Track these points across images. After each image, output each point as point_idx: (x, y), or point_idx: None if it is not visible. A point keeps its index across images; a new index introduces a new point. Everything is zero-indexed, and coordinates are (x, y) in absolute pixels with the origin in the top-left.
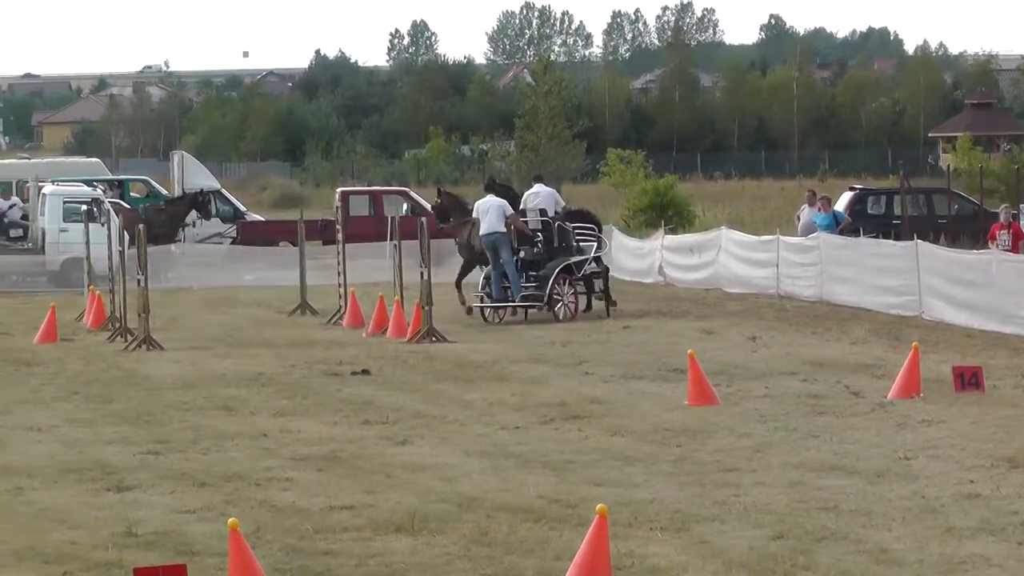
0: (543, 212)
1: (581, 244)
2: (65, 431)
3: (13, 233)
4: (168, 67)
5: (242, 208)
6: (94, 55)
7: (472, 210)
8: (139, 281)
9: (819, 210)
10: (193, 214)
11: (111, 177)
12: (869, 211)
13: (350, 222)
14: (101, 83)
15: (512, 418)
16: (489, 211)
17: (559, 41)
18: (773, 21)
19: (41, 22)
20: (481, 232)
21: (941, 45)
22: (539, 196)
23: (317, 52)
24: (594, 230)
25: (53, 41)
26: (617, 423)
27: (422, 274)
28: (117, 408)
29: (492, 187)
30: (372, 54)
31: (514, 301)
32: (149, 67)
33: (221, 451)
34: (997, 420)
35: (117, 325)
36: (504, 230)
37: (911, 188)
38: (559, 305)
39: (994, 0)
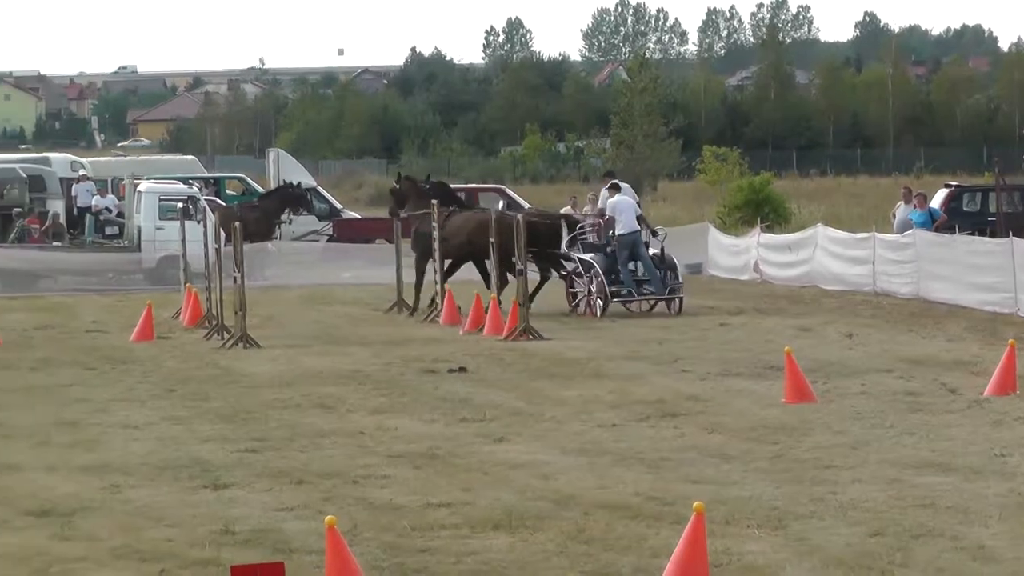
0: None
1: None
2: (162, 429)
3: (109, 231)
4: (264, 65)
5: (338, 206)
6: (190, 53)
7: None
8: (236, 279)
9: (915, 207)
10: (288, 210)
11: (207, 175)
12: (964, 208)
13: None
14: (196, 80)
15: (609, 415)
16: (628, 209)
17: (654, 38)
18: (868, 18)
19: (138, 19)
20: (621, 231)
21: None
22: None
23: (412, 50)
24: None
25: (149, 38)
26: (714, 420)
27: (518, 271)
28: (214, 406)
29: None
30: (467, 51)
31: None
32: (252, 68)
33: (318, 449)
34: None
35: (213, 323)
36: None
37: (1006, 185)
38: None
39: None
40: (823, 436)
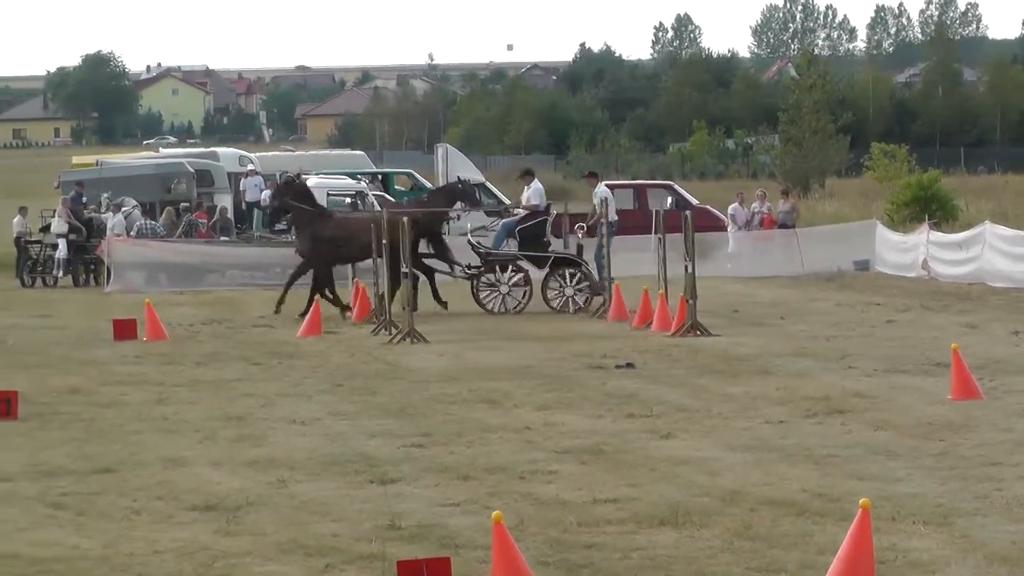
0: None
1: None
2: (328, 424)
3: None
4: (433, 60)
5: (507, 201)
6: (359, 48)
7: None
8: (404, 274)
9: None
10: (458, 206)
11: (375, 170)
12: None
13: None
14: (365, 76)
15: (775, 412)
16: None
17: (823, 35)
18: None
19: (308, 15)
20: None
21: None
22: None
23: (582, 45)
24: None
25: (319, 34)
26: (880, 417)
27: (686, 267)
28: (380, 401)
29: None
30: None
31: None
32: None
33: (485, 444)
34: None
35: (381, 318)
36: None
37: None
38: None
39: None
40: (989, 433)
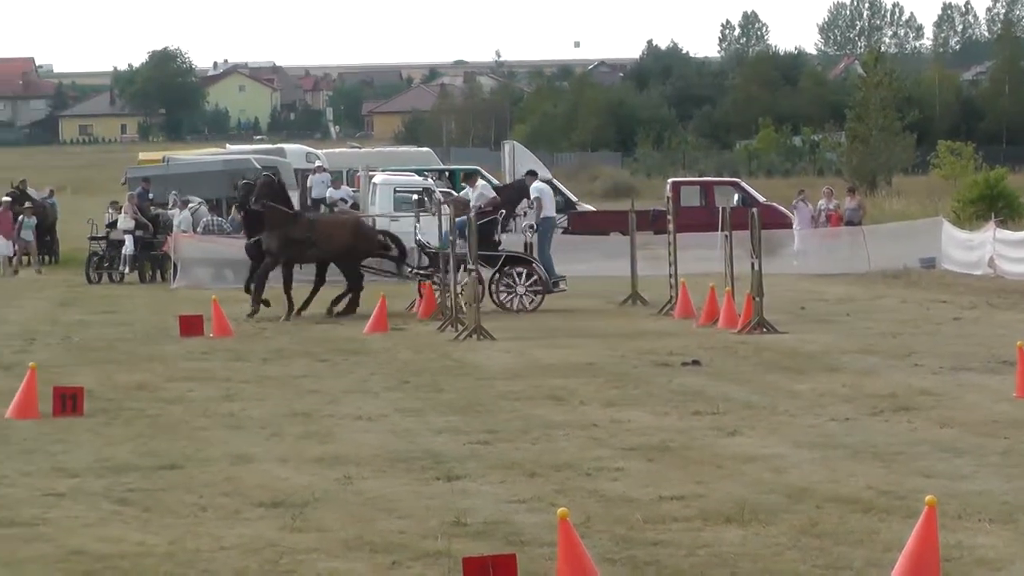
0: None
1: None
2: (394, 420)
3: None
4: (500, 57)
5: (573, 198)
6: (426, 45)
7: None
8: (470, 271)
9: None
10: (524, 203)
11: (442, 167)
12: None
13: (681, 212)
14: (432, 73)
15: (842, 409)
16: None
17: (889, 33)
18: None
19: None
20: (547, 215)
21: None
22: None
23: (649, 42)
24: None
25: (385, 31)
26: (946, 415)
27: (753, 265)
28: (447, 398)
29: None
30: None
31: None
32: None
33: (551, 441)
34: None
35: (447, 315)
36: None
37: None
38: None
39: None
40: None
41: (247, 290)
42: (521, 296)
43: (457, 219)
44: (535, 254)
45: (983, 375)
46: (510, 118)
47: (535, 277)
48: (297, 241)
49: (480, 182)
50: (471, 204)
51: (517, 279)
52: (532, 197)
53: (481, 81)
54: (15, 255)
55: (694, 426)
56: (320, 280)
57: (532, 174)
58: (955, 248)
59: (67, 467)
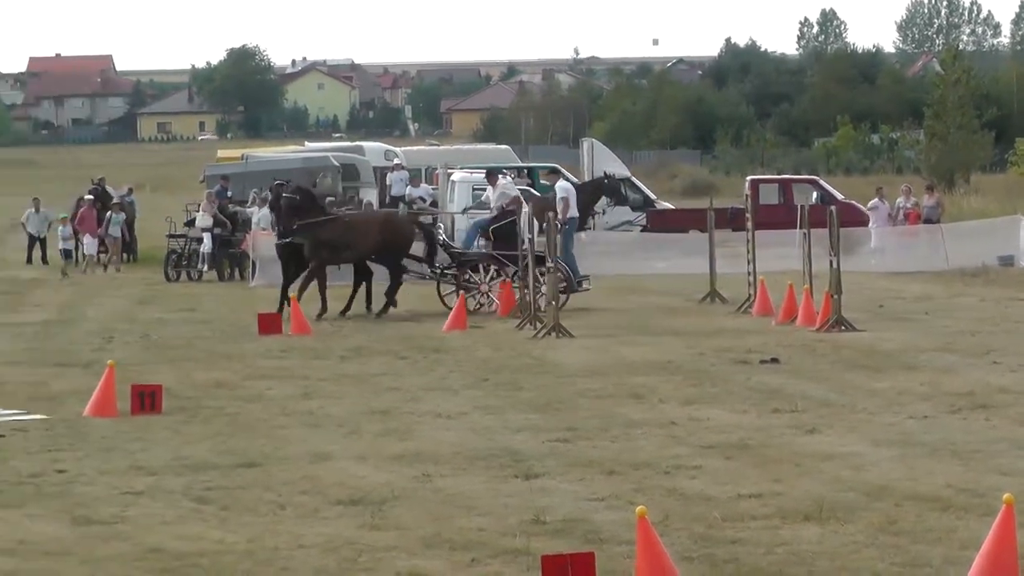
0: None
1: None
2: (474, 418)
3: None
4: (579, 54)
5: (652, 196)
6: (504, 42)
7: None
8: (550, 269)
9: None
10: (603, 201)
11: (520, 164)
12: None
13: (760, 210)
14: (511, 70)
15: (920, 407)
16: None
17: (967, 31)
18: None
19: (452, 8)
20: (573, 215)
21: None
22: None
23: (727, 40)
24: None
25: (464, 29)
26: None
27: (831, 262)
28: (526, 395)
29: None
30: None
31: None
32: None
33: (629, 439)
34: None
35: (527, 312)
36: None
37: None
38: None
39: None
40: None
41: (298, 297)
42: (545, 295)
43: (477, 219)
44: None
45: None
46: (589, 116)
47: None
48: (333, 244)
49: (501, 180)
50: (492, 204)
51: (541, 278)
52: (559, 197)
53: (560, 79)
54: (105, 251)
55: (772, 424)
56: (360, 279)
57: (554, 172)
58: None
59: (145, 465)
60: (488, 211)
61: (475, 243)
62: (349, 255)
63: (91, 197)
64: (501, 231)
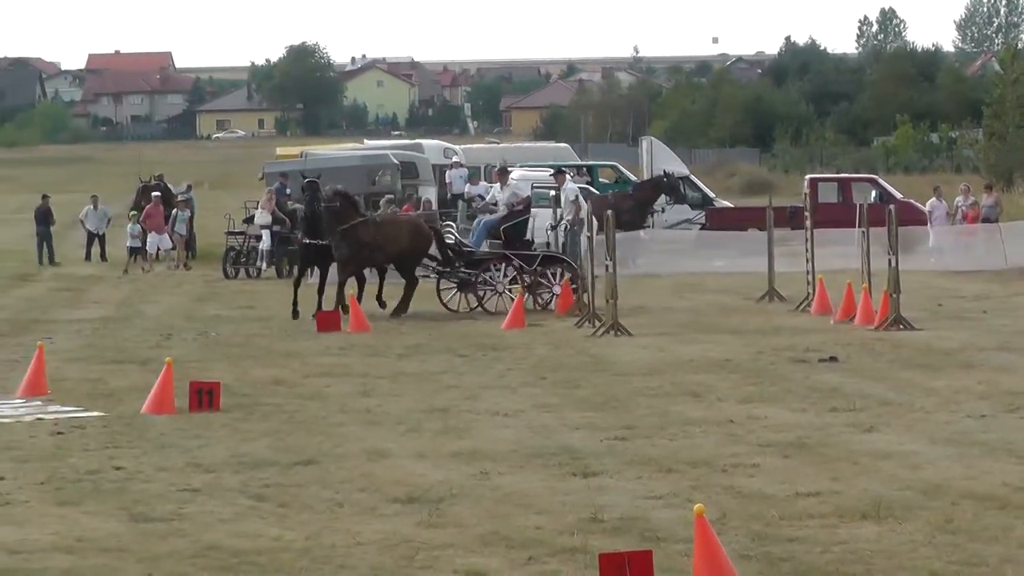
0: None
1: None
2: (532, 416)
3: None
4: (638, 53)
5: (711, 194)
6: (564, 40)
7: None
8: (607, 267)
9: None
10: (662, 199)
11: (579, 162)
12: None
13: (818, 209)
14: (570, 68)
15: (978, 406)
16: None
17: None
18: None
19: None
20: (583, 215)
21: None
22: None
23: (787, 39)
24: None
25: (524, 26)
26: None
27: (889, 261)
28: (584, 394)
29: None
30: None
31: None
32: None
33: (687, 437)
34: None
35: (585, 311)
36: None
37: None
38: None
39: None
40: None
41: (344, 309)
42: (557, 296)
43: (487, 219)
44: (566, 254)
45: None
46: (648, 114)
47: (569, 276)
48: (371, 245)
49: (512, 180)
50: (502, 202)
51: (553, 279)
52: (569, 200)
53: (619, 77)
54: (173, 247)
55: (830, 423)
56: (360, 281)
57: (560, 173)
58: None
59: (203, 462)
60: (495, 210)
61: (483, 243)
62: (380, 256)
63: (158, 194)
64: (512, 231)
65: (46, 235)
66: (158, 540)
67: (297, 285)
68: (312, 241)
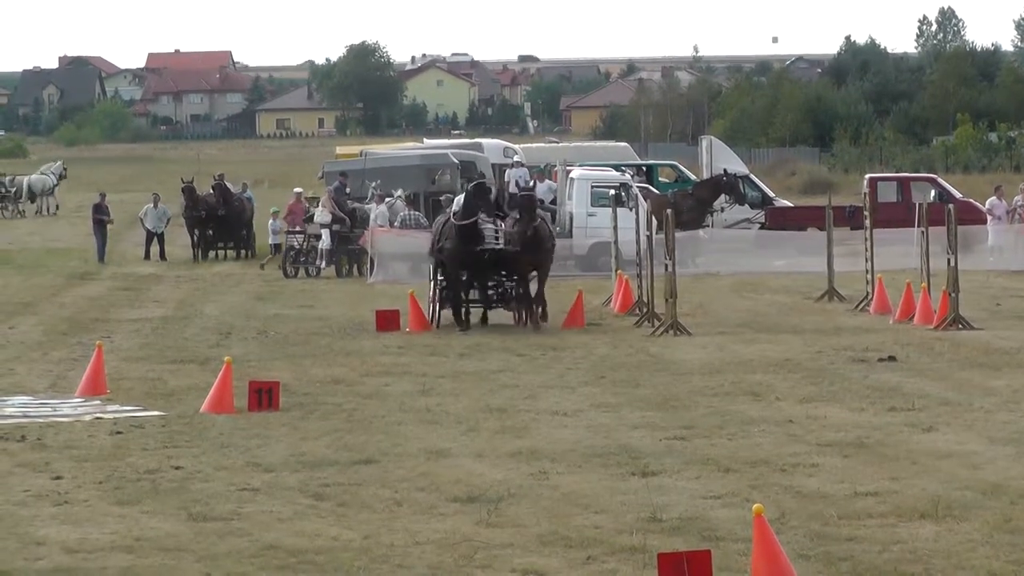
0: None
1: None
2: (591, 416)
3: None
4: (698, 52)
5: (770, 194)
6: (624, 39)
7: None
8: (666, 266)
9: None
10: (722, 198)
11: (639, 162)
12: None
13: (878, 208)
14: (630, 67)
15: None
16: None
17: None
18: None
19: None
20: None
21: None
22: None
23: (847, 38)
24: None
25: (584, 26)
26: None
27: (949, 261)
28: (643, 393)
29: None
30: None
31: None
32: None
33: (747, 437)
34: None
35: (644, 310)
36: None
37: None
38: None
39: None
40: None
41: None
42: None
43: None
44: None
45: None
46: (708, 113)
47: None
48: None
49: (547, 181)
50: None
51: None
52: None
53: (679, 76)
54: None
55: (890, 422)
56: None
57: (543, 172)
58: None
59: (262, 462)
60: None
61: None
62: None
63: (299, 190)
64: None
65: (101, 233)
66: (217, 539)
67: (457, 300)
68: (474, 248)
